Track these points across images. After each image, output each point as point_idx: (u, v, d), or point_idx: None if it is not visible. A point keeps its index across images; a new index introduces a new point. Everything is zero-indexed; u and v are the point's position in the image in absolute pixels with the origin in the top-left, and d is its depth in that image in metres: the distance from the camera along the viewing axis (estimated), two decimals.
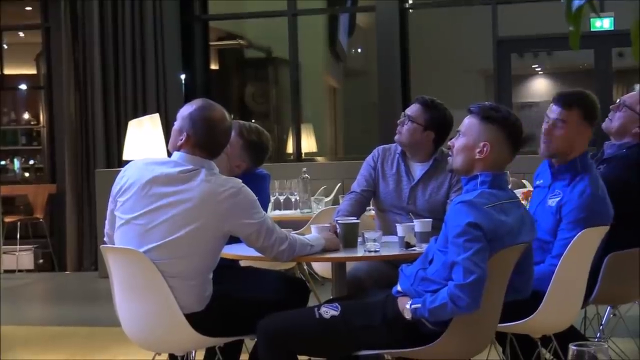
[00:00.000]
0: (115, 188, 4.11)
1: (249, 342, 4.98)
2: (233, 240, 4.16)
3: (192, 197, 3.90)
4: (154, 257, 3.92)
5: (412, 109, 5.07)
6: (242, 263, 4.88)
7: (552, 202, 4.30)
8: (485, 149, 3.74)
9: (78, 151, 11.24)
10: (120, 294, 4.12)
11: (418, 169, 5.11)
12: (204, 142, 4.02)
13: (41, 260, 11.65)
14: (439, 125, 5.04)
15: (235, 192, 3.93)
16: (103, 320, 7.35)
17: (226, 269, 4.25)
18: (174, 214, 3.91)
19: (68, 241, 11.22)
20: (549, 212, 4.28)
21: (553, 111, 4.38)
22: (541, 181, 4.49)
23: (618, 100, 4.88)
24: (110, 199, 4.13)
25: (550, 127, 4.35)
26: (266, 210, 4.52)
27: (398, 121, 5.09)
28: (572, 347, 1.91)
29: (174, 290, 3.93)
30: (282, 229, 4.13)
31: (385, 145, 5.29)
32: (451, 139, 3.91)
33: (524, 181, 7.43)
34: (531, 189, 4.98)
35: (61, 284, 10.65)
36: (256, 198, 4.02)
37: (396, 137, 5.10)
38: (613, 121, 4.82)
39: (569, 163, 4.32)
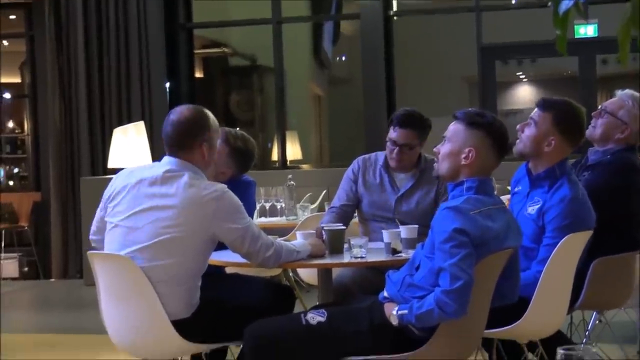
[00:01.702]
0: (106, 194, 4.15)
1: (234, 348, 4.96)
2: (219, 247, 4.16)
3: (176, 200, 3.92)
4: (139, 259, 3.93)
5: (408, 136, 5.02)
6: (228, 270, 4.88)
7: (532, 209, 4.30)
8: (470, 154, 3.75)
9: (63, 159, 11.20)
10: (106, 300, 4.12)
11: (403, 180, 5.12)
12: (169, 141, 4.07)
13: (26, 268, 11.60)
14: (426, 136, 5.07)
15: (219, 196, 3.94)
16: (89, 328, 7.32)
17: (212, 276, 4.24)
18: (159, 216, 3.93)
19: (53, 249, 11.18)
20: (529, 219, 4.28)
21: (534, 112, 4.42)
22: (519, 188, 4.50)
23: (599, 107, 4.90)
24: (101, 206, 4.17)
25: (523, 125, 4.39)
26: (252, 217, 4.53)
27: (394, 152, 5.04)
28: (559, 351, 1.92)
29: (161, 297, 3.93)
30: (268, 236, 4.13)
31: (364, 156, 5.28)
32: (436, 145, 3.92)
33: (509, 187, 7.45)
34: None
35: (46, 291, 10.61)
36: (241, 203, 4.03)
37: (394, 165, 5.07)
38: (596, 128, 4.83)
39: (547, 170, 4.33)
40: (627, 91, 4.90)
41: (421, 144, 5.08)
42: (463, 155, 3.76)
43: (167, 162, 4.06)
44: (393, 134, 5.05)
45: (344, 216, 5.12)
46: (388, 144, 5.08)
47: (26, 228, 11.46)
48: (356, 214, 5.33)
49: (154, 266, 3.93)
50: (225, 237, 4.01)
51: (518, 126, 4.41)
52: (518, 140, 4.40)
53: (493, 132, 3.78)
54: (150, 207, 3.97)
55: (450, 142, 3.82)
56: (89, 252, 4.13)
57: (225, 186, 4.02)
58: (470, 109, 3.91)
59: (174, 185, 3.96)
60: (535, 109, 4.42)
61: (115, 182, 4.13)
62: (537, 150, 4.34)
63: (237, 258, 4.20)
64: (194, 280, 4.05)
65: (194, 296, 4.06)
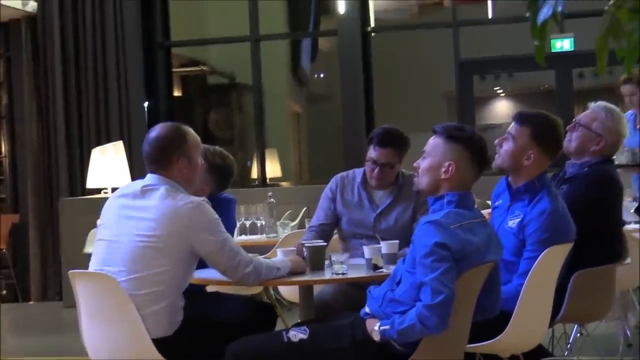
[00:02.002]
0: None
1: None
2: (199, 266, 4.16)
3: (154, 211, 4.00)
4: (120, 272, 3.96)
5: (388, 155, 4.99)
6: (209, 289, 4.86)
7: (513, 223, 4.31)
8: (450, 168, 3.75)
9: (41, 180, 11.14)
10: (87, 319, 4.11)
11: (382, 197, 5.10)
12: (148, 158, 4.16)
13: (4, 292, 11.52)
14: (405, 153, 5.05)
15: (195, 207, 4.00)
16: (69, 350, 7.27)
17: (192, 294, 4.22)
18: (137, 228, 4.00)
19: (32, 271, 11.10)
20: (510, 233, 4.29)
21: (511, 126, 4.43)
22: (500, 202, 4.51)
23: (573, 121, 4.92)
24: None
25: (501, 140, 4.40)
26: (232, 235, 4.53)
27: (375, 171, 5.00)
28: None
29: (143, 313, 3.93)
30: (248, 254, 4.13)
31: (342, 174, 5.25)
32: (416, 160, 3.92)
33: (488, 202, 7.46)
34: None
35: (26, 314, 10.53)
36: (218, 217, 4.08)
37: (375, 184, 5.04)
38: (571, 142, 4.85)
39: (527, 184, 4.34)
40: (600, 103, 4.93)
41: (400, 160, 5.07)
42: (443, 169, 3.76)
43: (148, 178, 4.15)
44: (373, 153, 5.02)
45: (323, 235, 5.10)
46: (368, 163, 5.05)
47: (4, 250, 11.39)
48: (336, 232, 5.31)
49: (134, 278, 3.96)
50: (202, 249, 4.02)
51: (496, 141, 4.42)
52: (497, 155, 4.41)
53: (472, 146, 3.78)
54: (129, 219, 4.05)
55: (430, 157, 3.82)
56: (70, 272, 4.15)
57: (202, 199, 4.10)
58: (449, 123, 3.92)
59: (151, 198, 4.05)
60: (512, 123, 4.43)
61: (105, 205, 4.26)
62: (517, 165, 4.35)
63: (218, 276, 4.19)
64: (176, 296, 4.04)
65: (176, 314, 4.04)
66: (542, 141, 4.36)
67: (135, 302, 3.93)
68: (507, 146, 4.38)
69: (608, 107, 4.88)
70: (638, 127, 7.07)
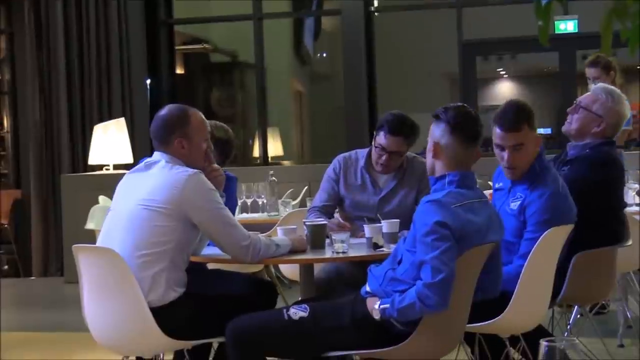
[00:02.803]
0: None
1: (215, 345, 4.95)
2: None
3: (152, 179, 4.14)
4: (119, 236, 4.07)
5: (398, 143, 4.92)
6: (210, 267, 4.87)
7: (514, 205, 4.31)
8: (435, 147, 3.78)
9: (43, 156, 11.15)
10: (89, 294, 4.14)
11: (386, 180, 5.07)
12: (152, 135, 4.29)
13: (6, 266, 11.55)
14: (415, 140, 5.01)
15: (191, 175, 4.09)
16: (70, 326, 7.29)
17: (193, 271, 4.24)
18: (137, 194, 4.12)
19: (33, 247, 11.13)
20: (511, 214, 4.30)
21: (502, 138, 4.33)
22: (501, 184, 4.50)
23: (574, 103, 4.91)
24: None
25: (513, 154, 4.31)
26: (234, 213, 4.55)
27: (382, 157, 4.93)
28: (543, 343, 1.91)
29: (138, 276, 3.98)
30: (249, 232, 4.15)
31: (345, 154, 5.20)
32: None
33: (489, 183, 7.47)
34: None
35: (27, 289, 10.56)
36: (214, 188, 4.16)
37: (381, 169, 5.00)
38: (572, 123, 4.83)
39: (528, 167, 4.34)
40: (600, 84, 4.93)
41: (408, 148, 5.02)
42: (432, 150, 3.79)
43: (154, 155, 4.27)
44: (383, 140, 4.92)
45: (326, 216, 5.08)
46: (377, 149, 4.96)
47: (6, 226, 11.40)
48: (337, 211, 5.31)
49: (132, 240, 4.05)
50: (195, 216, 4.08)
51: (505, 162, 4.33)
52: (511, 172, 4.34)
53: (450, 122, 3.76)
54: (133, 189, 4.19)
55: (429, 141, 3.85)
56: (74, 246, 4.21)
57: (200, 171, 4.17)
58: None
59: (151, 169, 4.19)
60: (504, 134, 4.32)
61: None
62: (531, 157, 4.34)
63: (218, 253, 4.22)
64: (171, 264, 4.07)
65: (174, 282, 4.08)
66: (533, 122, 4.38)
67: (131, 264, 3.99)
68: (521, 156, 4.30)
69: (609, 88, 4.88)
70: None
